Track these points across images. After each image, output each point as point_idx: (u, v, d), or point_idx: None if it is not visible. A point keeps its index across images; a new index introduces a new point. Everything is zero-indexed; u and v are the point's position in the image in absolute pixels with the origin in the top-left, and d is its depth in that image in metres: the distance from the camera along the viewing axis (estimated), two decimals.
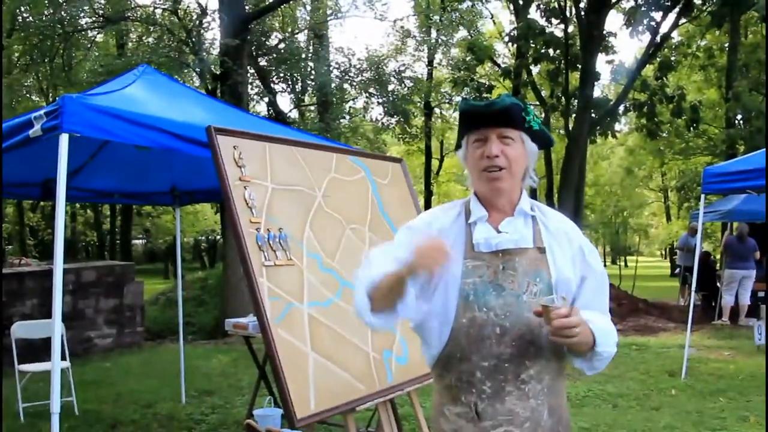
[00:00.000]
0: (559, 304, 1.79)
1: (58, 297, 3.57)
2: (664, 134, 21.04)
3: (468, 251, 1.98)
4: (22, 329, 6.68)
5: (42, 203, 27.20)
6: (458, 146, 2.09)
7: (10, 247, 26.49)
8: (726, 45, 20.95)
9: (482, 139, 1.97)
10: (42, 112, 3.70)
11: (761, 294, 11.97)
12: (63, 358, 5.72)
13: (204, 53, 12.75)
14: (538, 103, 22.25)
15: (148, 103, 4.39)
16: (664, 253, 49.71)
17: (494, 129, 1.96)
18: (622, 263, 36.05)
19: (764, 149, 7.34)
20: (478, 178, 2.00)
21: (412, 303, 1.94)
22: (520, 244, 1.97)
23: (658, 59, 18.39)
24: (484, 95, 18.45)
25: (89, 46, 17.40)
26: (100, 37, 18.16)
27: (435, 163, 29.52)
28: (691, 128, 20.18)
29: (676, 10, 16.96)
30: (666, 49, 19.25)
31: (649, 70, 19.24)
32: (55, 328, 3.57)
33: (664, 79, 18.73)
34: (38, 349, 6.92)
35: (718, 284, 13.00)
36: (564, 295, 1.83)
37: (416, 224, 2.11)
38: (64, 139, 3.53)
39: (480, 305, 1.92)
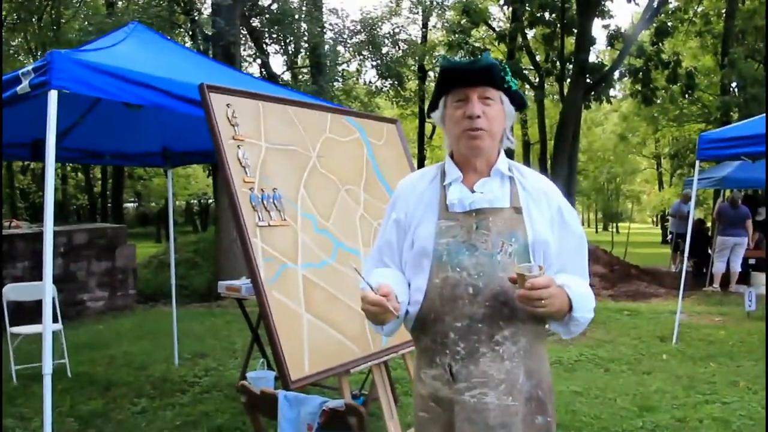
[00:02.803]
0: (535, 273, 1.75)
1: (49, 258, 3.51)
2: (659, 100, 20.92)
3: (442, 212, 1.98)
4: (13, 291, 6.64)
5: (32, 165, 27.01)
6: (434, 107, 2.07)
7: (2, 211, 26.30)
8: (723, 11, 20.76)
9: (463, 99, 1.96)
10: (30, 68, 3.60)
11: (752, 261, 12.07)
12: (55, 320, 5.69)
13: (196, 13, 12.52)
14: (533, 67, 22.09)
15: (139, 60, 4.28)
16: (655, 219, 49.93)
17: (475, 89, 1.94)
18: (614, 229, 36.16)
19: (761, 115, 7.31)
20: (457, 138, 1.99)
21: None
22: (494, 203, 1.96)
23: (654, 25, 18.23)
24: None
25: (78, 4, 17.08)
26: None
27: (428, 127, 29.39)
28: (686, 95, 20.10)
29: None
30: (663, 15, 19.07)
31: (645, 36, 19.10)
32: (45, 290, 3.53)
33: (660, 44, 18.59)
34: (30, 312, 6.89)
35: (709, 251, 13.06)
36: (542, 264, 1.80)
37: (398, 194, 2.12)
38: (53, 96, 3.44)
39: (453, 265, 1.91)
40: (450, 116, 1.99)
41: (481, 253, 1.91)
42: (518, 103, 2.04)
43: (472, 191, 1.98)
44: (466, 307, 1.89)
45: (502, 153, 2.05)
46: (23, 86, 3.56)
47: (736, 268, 11.74)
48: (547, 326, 2.02)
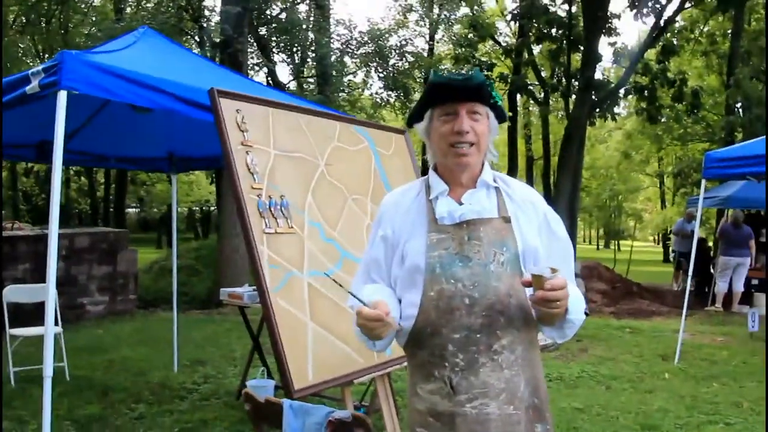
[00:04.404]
0: (551, 275, 1.75)
1: (53, 259, 3.49)
2: (664, 119, 20.92)
3: (431, 225, 1.97)
4: (13, 293, 6.61)
5: (36, 168, 27.02)
6: (418, 119, 2.06)
7: (2, 212, 26.31)
8: (729, 31, 20.78)
9: (451, 113, 1.96)
10: (40, 68, 3.59)
11: (755, 281, 12.02)
12: (55, 323, 5.65)
13: (204, 20, 12.55)
14: (538, 83, 22.11)
15: (149, 63, 4.27)
16: (657, 238, 49.86)
17: (464, 104, 1.95)
18: (616, 247, 36.08)
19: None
20: (444, 152, 2.00)
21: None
22: (483, 214, 1.97)
23: (661, 43, 18.25)
24: (485, 72, 18.31)
25: (86, 10, 17.13)
26: (97, 1, 17.88)
27: None
28: (692, 113, 20.10)
29: None
30: (669, 33, 19.11)
31: (651, 54, 19.11)
32: (49, 292, 3.50)
33: (666, 63, 18.61)
34: (29, 314, 6.85)
35: (711, 270, 13.01)
36: (554, 267, 1.78)
37: (383, 211, 2.12)
38: (62, 97, 3.43)
39: (447, 277, 1.91)
40: (436, 130, 1.99)
41: (474, 263, 1.91)
42: (501, 117, 2.06)
43: (460, 203, 1.99)
44: (463, 318, 1.89)
45: (487, 165, 2.06)
46: (33, 86, 3.55)
47: (739, 288, 11.69)
48: (540, 334, 2.03)
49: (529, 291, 1.85)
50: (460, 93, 1.94)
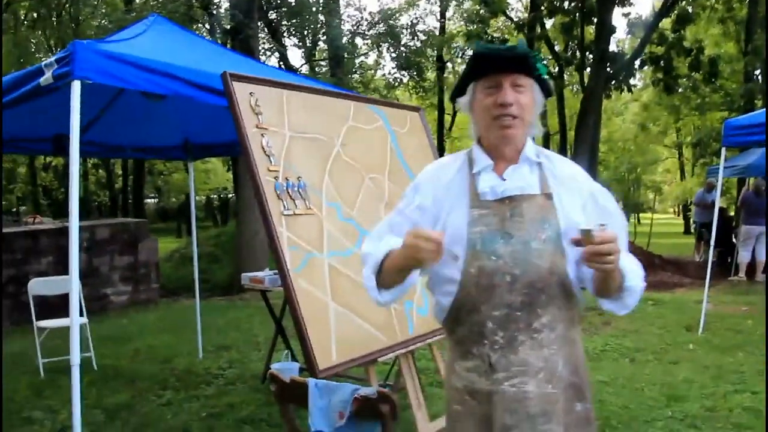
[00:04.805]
0: (600, 229, 1.71)
1: (75, 250, 3.51)
2: (681, 89, 20.63)
3: (473, 200, 1.94)
4: (38, 286, 6.68)
5: (54, 162, 27.25)
6: (461, 93, 2.02)
7: (23, 207, 26.61)
8: None
9: (494, 86, 1.91)
10: (53, 59, 3.59)
11: None
12: (80, 314, 5.71)
13: (214, 7, 12.53)
14: (552, 57, 21.89)
15: (160, 50, 4.26)
16: (677, 209, 49.43)
17: (508, 76, 1.90)
18: (636, 220, 35.83)
19: None
20: (488, 126, 1.95)
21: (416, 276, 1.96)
22: (526, 190, 1.93)
23: (675, 11, 17.97)
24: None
25: (95, 2, 17.16)
26: None
27: (447, 118, 29.28)
28: (709, 82, 19.81)
29: None
30: (684, 1, 18.81)
31: (666, 23, 18.83)
32: (72, 281, 3.52)
33: (682, 32, 18.33)
34: (55, 306, 6.91)
35: (734, 240, 12.88)
36: (603, 223, 1.74)
37: (423, 181, 2.08)
38: (76, 87, 3.42)
39: (488, 253, 1.87)
40: (479, 102, 1.95)
41: (516, 240, 1.87)
42: (546, 91, 2.00)
43: (502, 179, 1.94)
44: (504, 296, 1.86)
45: (530, 140, 2.01)
46: (46, 77, 3.54)
47: (762, 256, 11.56)
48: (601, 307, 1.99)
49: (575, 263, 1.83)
50: (503, 64, 1.89)
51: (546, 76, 1.97)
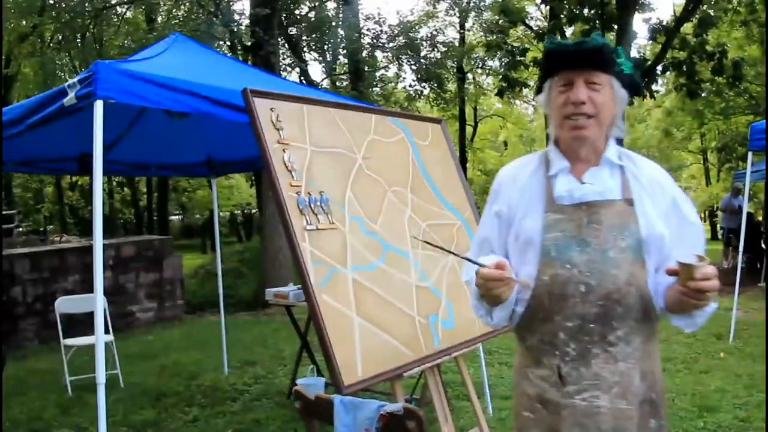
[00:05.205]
0: (701, 264, 1.62)
1: (99, 268, 3.52)
2: (705, 93, 20.39)
3: (549, 205, 1.86)
4: (65, 304, 6.74)
5: (80, 182, 27.59)
6: (539, 90, 1.96)
7: (51, 227, 26.95)
8: None
9: (567, 83, 1.84)
10: (76, 79, 3.63)
11: None
12: (106, 331, 5.75)
13: (234, 24, 12.64)
14: None
15: (182, 69, 4.29)
16: (703, 215, 48.85)
17: (581, 73, 1.83)
18: None
19: None
20: (560, 125, 1.88)
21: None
22: (605, 195, 1.84)
23: (697, 16, 17.81)
24: (518, 58, 18.10)
25: (119, 23, 17.39)
26: (129, 14, 18.14)
27: (469, 129, 29.23)
28: (733, 86, 19.57)
29: None
30: (705, 5, 18.63)
31: (687, 28, 18.66)
32: (97, 299, 3.54)
33: (704, 36, 18.14)
34: (81, 324, 6.97)
35: (762, 245, 12.67)
36: (702, 254, 1.67)
37: (501, 182, 2.01)
38: (99, 106, 3.45)
39: (563, 261, 1.80)
40: (553, 101, 1.88)
41: (592, 249, 1.79)
42: (631, 86, 1.91)
43: (580, 182, 1.87)
44: (577, 306, 1.79)
45: (612, 141, 1.92)
46: (70, 98, 3.58)
47: None
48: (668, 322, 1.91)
49: (666, 280, 1.75)
50: (575, 60, 1.82)
51: (628, 71, 1.88)
